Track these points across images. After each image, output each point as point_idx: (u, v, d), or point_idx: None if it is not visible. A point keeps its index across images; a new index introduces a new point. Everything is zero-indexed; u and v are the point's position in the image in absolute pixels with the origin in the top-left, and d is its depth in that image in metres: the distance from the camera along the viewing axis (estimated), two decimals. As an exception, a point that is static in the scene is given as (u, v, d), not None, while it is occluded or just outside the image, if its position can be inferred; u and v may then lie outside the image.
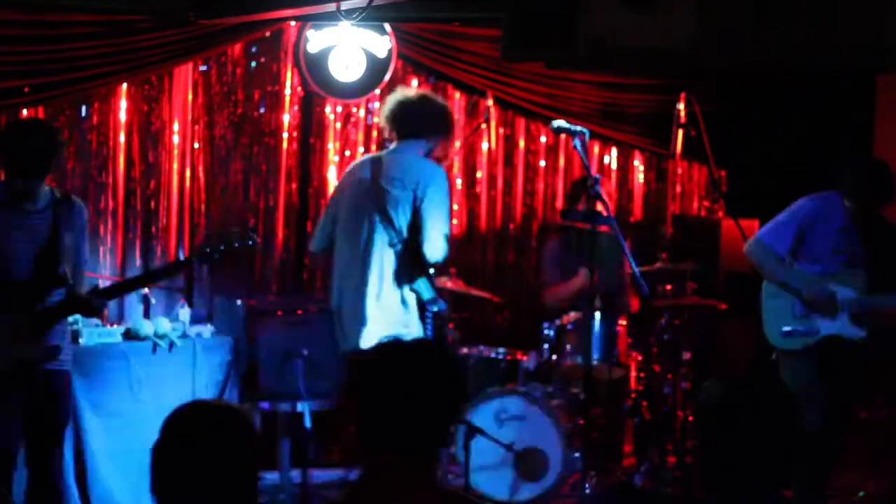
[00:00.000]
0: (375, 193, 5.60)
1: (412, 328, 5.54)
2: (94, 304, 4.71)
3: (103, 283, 6.49)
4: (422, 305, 5.62)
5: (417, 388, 2.47)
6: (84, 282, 4.83)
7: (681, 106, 6.57)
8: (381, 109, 5.91)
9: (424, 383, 2.48)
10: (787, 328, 5.62)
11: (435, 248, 5.53)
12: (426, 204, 5.52)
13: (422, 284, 5.59)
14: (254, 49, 7.14)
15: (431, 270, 5.63)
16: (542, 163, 8.11)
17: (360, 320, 5.56)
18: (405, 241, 5.54)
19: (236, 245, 4.78)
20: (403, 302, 5.58)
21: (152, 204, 6.92)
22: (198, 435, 2.44)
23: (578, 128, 5.50)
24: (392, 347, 2.54)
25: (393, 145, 5.80)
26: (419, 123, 5.70)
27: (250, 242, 4.81)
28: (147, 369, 5.89)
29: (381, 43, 7.28)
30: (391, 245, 5.56)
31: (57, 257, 4.67)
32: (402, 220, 5.56)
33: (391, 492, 2.46)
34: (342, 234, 5.71)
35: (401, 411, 2.47)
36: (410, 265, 5.56)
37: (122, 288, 5.14)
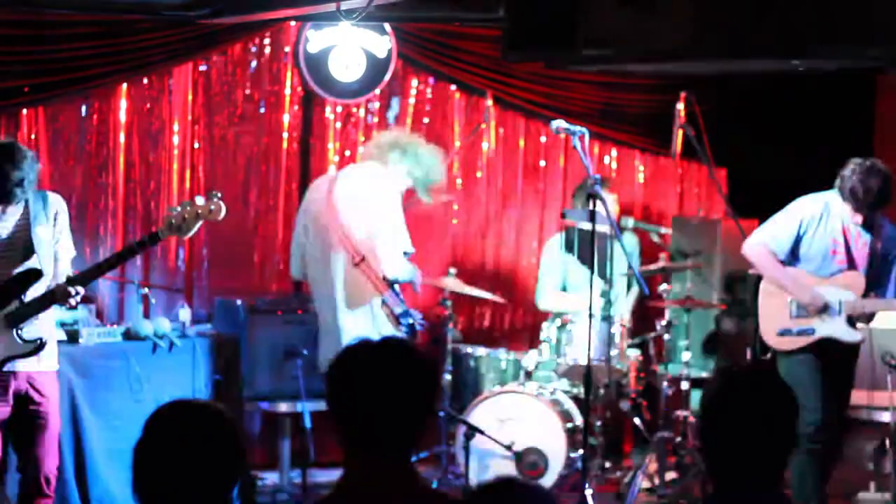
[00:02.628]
0: (334, 212, 5.61)
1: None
2: (65, 290, 4.62)
3: (103, 283, 6.53)
4: (395, 319, 5.64)
5: (387, 387, 2.50)
6: (67, 271, 4.77)
7: (681, 106, 6.58)
8: (382, 137, 5.90)
9: (394, 381, 2.51)
10: (783, 328, 5.62)
11: (391, 265, 5.55)
12: (379, 222, 5.55)
13: (390, 299, 5.61)
14: (254, 49, 7.15)
15: (396, 286, 5.64)
16: (542, 163, 8.11)
17: (333, 335, 5.60)
18: (364, 258, 5.54)
19: (203, 217, 4.67)
20: (373, 317, 5.60)
21: (152, 204, 6.92)
22: (179, 435, 2.44)
23: (578, 128, 5.50)
24: (361, 347, 2.56)
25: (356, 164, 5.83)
26: (384, 154, 5.73)
27: (214, 209, 4.65)
28: (147, 369, 5.88)
29: (381, 43, 7.27)
30: (354, 264, 5.56)
31: (28, 252, 4.64)
32: (361, 237, 5.57)
33: (372, 490, 2.48)
34: (309, 255, 5.73)
35: (373, 410, 2.49)
36: (375, 281, 5.56)
37: (95, 271, 5.04)
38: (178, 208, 4.64)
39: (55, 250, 4.74)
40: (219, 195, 4.65)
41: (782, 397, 2.67)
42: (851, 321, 5.58)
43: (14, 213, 4.68)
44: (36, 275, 4.63)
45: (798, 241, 5.64)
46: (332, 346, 5.48)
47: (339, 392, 2.55)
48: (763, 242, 5.69)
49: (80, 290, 4.66)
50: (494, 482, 2.37)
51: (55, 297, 4.65)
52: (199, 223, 4.66)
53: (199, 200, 4.62)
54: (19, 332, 4.59)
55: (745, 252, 5.76)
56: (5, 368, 4.61)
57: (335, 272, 5.59)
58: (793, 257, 5.68)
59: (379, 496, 2.49)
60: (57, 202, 4.79)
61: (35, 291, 4.66)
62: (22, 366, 4.65)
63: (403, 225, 5.66)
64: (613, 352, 6.45)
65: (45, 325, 4.74)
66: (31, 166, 4.65)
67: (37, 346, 4.64)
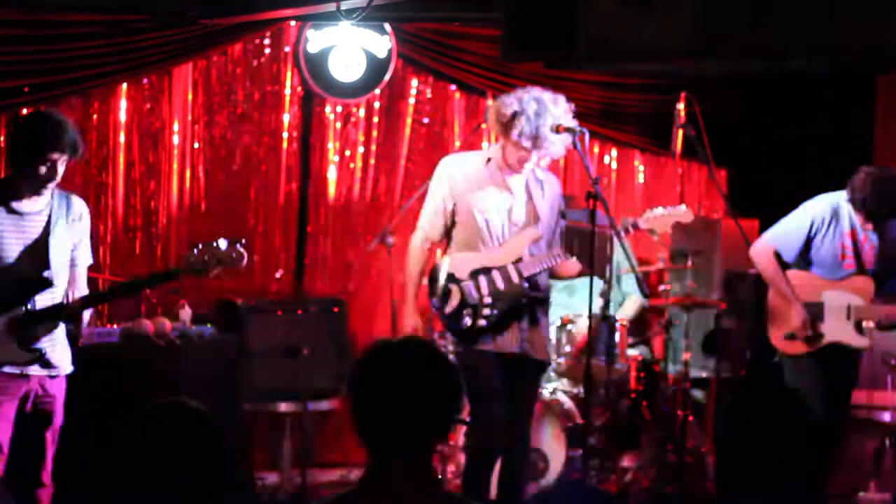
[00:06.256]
0: None
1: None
2: (70, 311, 4.53)
3: (104, 283, 6.52)
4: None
5: (409, 386, 2.48)
6: (81, 279, 4.69)
7: (681, 106, 6.57)
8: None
9: (416, 380, 2.49)
10: (790, 332, 5.61)
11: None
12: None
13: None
14: (254, 49, 7.15)
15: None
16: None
17: None
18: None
19: (224, 263, 4.50)
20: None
21: (152, 204, 6.92)
22: (166, 438, 2.43)
23: (578, 128, 5.48)
24: (384, 346, 2.55)
25: None
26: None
27: (236, 258, 4.49)
28: (146, 370, 5.87)
29: (381, 43, 7.28)
30: None
31: (45, 259, 4.57)
32: None
33: (391, 492, 2.47)
34: None
35: (395, 409, 2.47)
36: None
37: (99, 298, 4.92)
38: (201, 246, 4.50)
39: (72, 256, 4.67)
40: (242, 242, 4.52)
41: (795, 403, 2.68)
42: (859, 326, 5.56)
43: (39, 214, 4.58)
44: (44, 284, 4.55)
45: (808, 243, 5.62)
46: None
47: (361, 392, 2.52)
48: (771, 246, 5.66)
49: (85, 317, 4.63)
50: None
51: (61, 314, 4.58)
52: (220, 269, 4.52)
53: (223, 244, 4.49)
54: (20, 340, 4.52)
55: (752, 255, 5.75)
56: (7, 370, 4.55)
57: None
58: (803, 261, 5.66)
59: (397, 497, 2.47)
60: (80, 206, 4.69)
61: (43, 299, 4.58)
62: (34, 371, 4.61)
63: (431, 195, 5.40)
64: (613, 352, 6.45)
65: (47, 335, 4.65)
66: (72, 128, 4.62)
67: (35, 358, 4.53)
